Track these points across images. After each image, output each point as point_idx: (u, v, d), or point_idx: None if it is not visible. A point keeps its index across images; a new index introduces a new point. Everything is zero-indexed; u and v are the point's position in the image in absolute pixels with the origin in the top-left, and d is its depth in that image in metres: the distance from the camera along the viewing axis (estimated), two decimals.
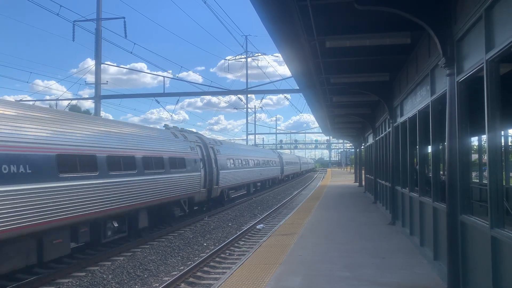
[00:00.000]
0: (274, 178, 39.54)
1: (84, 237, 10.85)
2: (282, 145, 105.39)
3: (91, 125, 11.56)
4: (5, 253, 8.37)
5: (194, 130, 23.08)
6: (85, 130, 11.01)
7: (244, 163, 27.60)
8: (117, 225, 12.20)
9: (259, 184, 32.89)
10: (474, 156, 15.56)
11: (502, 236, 4.44)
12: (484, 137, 5.87)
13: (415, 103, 9.46)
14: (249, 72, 77.36)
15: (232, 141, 51.84)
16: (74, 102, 44.21)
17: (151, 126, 19.46)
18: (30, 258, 8.94)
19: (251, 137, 66.93)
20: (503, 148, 11.01)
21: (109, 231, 11.89)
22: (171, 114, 73.77)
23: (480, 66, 4.93)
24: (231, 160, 24.46)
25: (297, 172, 61.48)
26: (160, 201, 14.43)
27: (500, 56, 4.48)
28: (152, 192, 13.74)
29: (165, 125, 19.32)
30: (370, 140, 22.05)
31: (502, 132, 10.49)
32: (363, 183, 28.73)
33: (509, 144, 12.11)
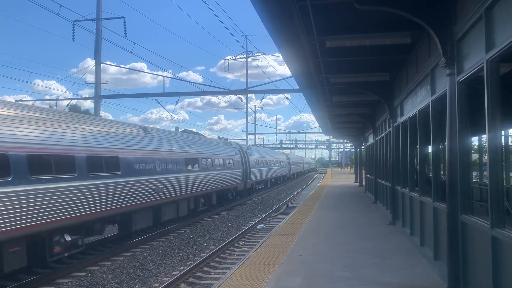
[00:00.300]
0: (284, 175, 46.84)
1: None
2: (282, 145, 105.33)
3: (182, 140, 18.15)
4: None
5: (194, 129, 23.95)
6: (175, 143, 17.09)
7: (265, 163, 35.04)
8: (203, 201, 19.09)
9: (273, 180, 40.63)
10: (475, 156, 15.56)
11: (502, 236, 4.44)
12: (485, 137, 5.87)
13: (416, 103, 9.46)
14: (249, 72, 77.44)
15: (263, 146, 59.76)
16: (74, 102, 44.22)
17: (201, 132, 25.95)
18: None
19: (251, 137, 66.96)
20: (503, 148, 11.02)
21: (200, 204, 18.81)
22: (171, 114, 73.97)
23: (481, 66, 4.92)
24: (258, 161, 31.89)
25: (301, 171, 68.77)
26: (223, 187, 21.97)
27: (500, 56, 4.47)
28: (219, 182, 21.03)
29: (218, 136, 28.06)
30: (371, 140, 22.05)
31: (503, 132, 10.48)
32: (363, 183, 28.72)
33: (510, 144, 12.11)
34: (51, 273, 9.80)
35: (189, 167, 17.28)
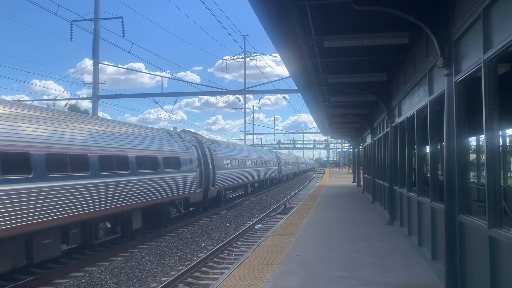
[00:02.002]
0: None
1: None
2: (280, 145, 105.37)
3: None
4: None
5: (192, 130, 23.09)
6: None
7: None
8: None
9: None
10: (472, 156, 15.58)
11: (500, 236, 4.44)
12: (482, 137, 5.87)
13: (413, 103, 9.47)
14: (247, 72, 77.31)
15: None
16: (72, 102, 44.13)
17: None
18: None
19: (249, 137, 66.90)
20: (501, 148, 11.03)
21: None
22: (169, 114, 73.44)
23: (478, 66, 4.93)
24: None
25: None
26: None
27: (497, 56, 4.48)
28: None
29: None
30: (368, 140, 22.07)
31: (500, 132, 10.50)
32: (361, 183, 28.75)
33: (507, 144, 12.14)
34: (49, 274, 9.78)
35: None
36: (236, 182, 25.66)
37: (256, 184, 32.83)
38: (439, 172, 8.27)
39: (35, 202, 8.72)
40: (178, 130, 20.98)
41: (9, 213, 8.14)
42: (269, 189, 37.27)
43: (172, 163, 15.86)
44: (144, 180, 13.41)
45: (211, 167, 20.56)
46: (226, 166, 23.54)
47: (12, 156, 8.43)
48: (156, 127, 22.44)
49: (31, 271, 9.99)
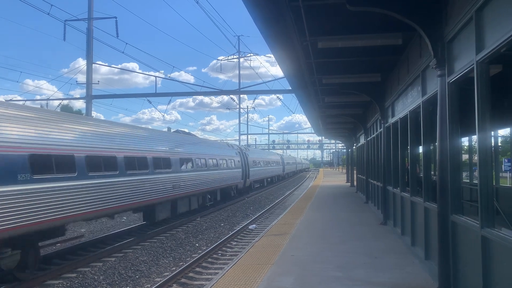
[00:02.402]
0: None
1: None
2: (275, 145, 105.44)
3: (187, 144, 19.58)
4: None
5: (186, 130, 23.69)
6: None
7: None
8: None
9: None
10: (465, 157, 15.68)
11: (492, 235, 4.47)
12: (475, 137, 5.92)
13: (406, 104, 9.52)
14: (241, 72, 77.28)
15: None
16: (65, 102, 43.86)
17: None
18: None
19: (243, 137, 66.95)
20: (493, 149, 11.11)
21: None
22: (163, 114, 72.65)
23: (471, 67, 4.96)
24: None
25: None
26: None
27: (490, 57, 4.51)
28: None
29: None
30: (362, 141, 22.15)
31: (492, 133, 10.58)
32: (355, 183, 28.84)
33: (499, 144, 12.23)
34: (41, 275, 9.71)
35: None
36: (259, 176, 36.07)
37: (269, 179, 42.78)
38: (432, 172, 8.31)
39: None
40: (172, 130, 21.43)
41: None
42: (264, 189, 37.45)
43: (232, 163, 25.93)
44: (222, 172, 23.36)
45: (247, 166, 30.01)
46: (253, 165, 32.96)
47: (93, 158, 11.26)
48: (150, 127, 24.68)
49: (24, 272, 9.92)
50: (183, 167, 17.60)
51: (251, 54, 52.48)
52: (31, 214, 8.71)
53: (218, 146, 25.42)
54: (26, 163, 8.66)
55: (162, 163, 15.31)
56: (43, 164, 9.26)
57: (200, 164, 19.68)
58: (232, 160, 26.13)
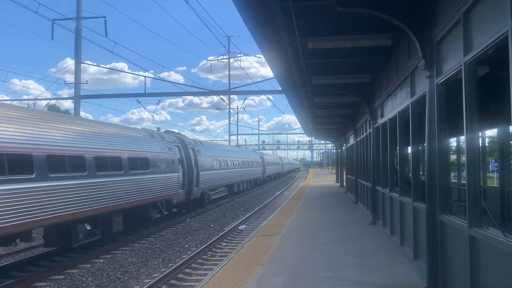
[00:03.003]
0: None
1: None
2: (265, 145, 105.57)
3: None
4: None
5: (175, 130, 23.02)
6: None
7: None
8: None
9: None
10: (453, 157, 15.85)
11: (480, 235, 4.52)
12: (463, 138, 5.97)
13: (396, 105, 9.59)
14: (231, 73, 77.18)
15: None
16: (53, 102, 43.38)
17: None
18: None
19: (233, 137, 66.85)
20: (480, 149, 11.25)
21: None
22: (152, 114, 72.17)
23: (459, 68, 5.01)
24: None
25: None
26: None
27: (478, 58, 4.56)
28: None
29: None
30: (351, 141, 22.26)
31: (480, 133, 10.72)
32: (345, 183, 28.98)
33: (486, 145, 12.39)
34: (28, 277, 9.59)
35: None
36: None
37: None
38: (421, 173, 8.38)
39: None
40: (161, 130, 20.88)
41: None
42: (254, 190, 37.30)
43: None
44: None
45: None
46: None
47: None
48: (139, 127, 22.36)
49: (9, 274, 9.79)
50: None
51: (241, 55, 52.50)
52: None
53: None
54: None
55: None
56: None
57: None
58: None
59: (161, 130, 20.97)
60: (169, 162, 17.22)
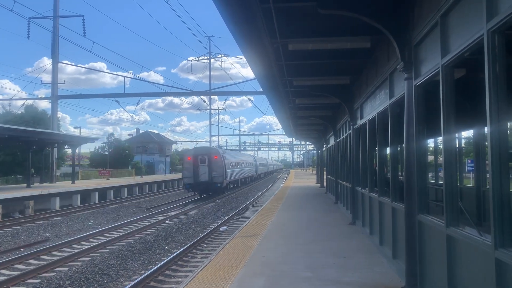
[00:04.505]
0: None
1: None
2: (246, 146, 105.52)
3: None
4: None
5: (155, 131, 23.06)
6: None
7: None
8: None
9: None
10: (431, 157, 16.12)
11: (456, 234, 4.61)
12: (440, 139, 6.09)
13: (375, 106, 9.71)
14: (212, 73, 76.71)
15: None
16: (29, 102, 42.40)
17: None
18: None
19: (214, 138, 66.68)
20: (457, 150, 11.47)
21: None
22: (131, 115, 70.36)
23: (436, 70, 5.10)
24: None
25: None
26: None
27: (454, 61, 4.66)
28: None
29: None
30: (332, 142, 22.45)
31: (457, 135, 10.93)
32: (325, 184, 29.20)
33: (463, 146, 12.64)
34: (3, 281, 9.34)
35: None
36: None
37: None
38: (399, 173, 8.50)
39: None
40: (141, 131, 20.82)
41: None
42: (236, 190, 37.43)
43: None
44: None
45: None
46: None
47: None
48: (118, 128, 23.08)
49: None
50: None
51: (222, 55, 52.54)
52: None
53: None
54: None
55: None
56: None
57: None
58: None
59: (140, 131, 20.78)
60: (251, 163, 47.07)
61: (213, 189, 31.26)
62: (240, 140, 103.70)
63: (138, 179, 44.42)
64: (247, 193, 36.03)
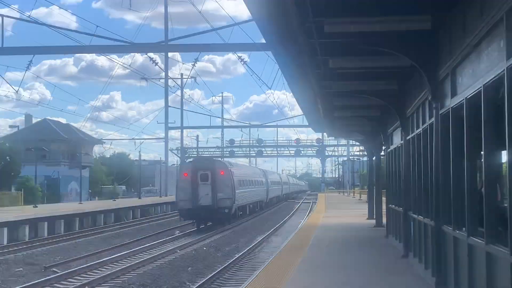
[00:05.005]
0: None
1: None
2: (233, 147, 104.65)
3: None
4: None
5: (63, 120, 23.29)
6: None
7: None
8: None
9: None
10: None
11: None
12: None
13: (480, 72, 9.60)
14: (170, 10, 75.54)
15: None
16: None
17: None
18: None
19: (174, 133, 66.64)
20: None
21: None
22: (16, 88, 65.26)
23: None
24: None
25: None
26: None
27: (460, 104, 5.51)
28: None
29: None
30: (397, 141, 22.42)
31: None
32: (384, 219, 29.18)
33: None
34: None
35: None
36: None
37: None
38: None
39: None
40: (34, 120, 21.22)
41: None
42: (224, 230, 37.80)
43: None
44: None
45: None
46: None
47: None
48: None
49: None
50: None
51: None
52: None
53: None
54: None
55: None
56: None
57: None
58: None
59: (34, 120, 21.05)
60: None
61: (218, 216, 37.92)
62: (223, 137, 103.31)
63: (30, 211, 44.33)
64: (243, 233, 36.12)
